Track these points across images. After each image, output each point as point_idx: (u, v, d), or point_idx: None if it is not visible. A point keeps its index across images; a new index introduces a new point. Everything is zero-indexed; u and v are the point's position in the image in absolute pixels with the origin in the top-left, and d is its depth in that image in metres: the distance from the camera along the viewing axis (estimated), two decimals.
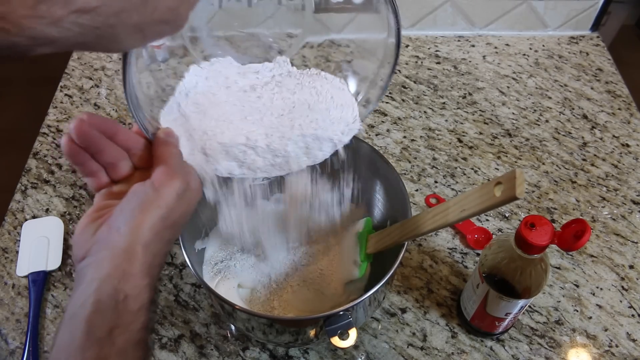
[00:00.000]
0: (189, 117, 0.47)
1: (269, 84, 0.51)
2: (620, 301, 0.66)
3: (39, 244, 0.70)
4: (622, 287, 0.67)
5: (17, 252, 0.70)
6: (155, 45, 0.60)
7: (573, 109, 0.89)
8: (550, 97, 0.91)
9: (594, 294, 0.67)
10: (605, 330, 0.64)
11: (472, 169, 0.80)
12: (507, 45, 1.00)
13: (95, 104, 0.89)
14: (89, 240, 0.38)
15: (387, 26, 0.50)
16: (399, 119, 0.87)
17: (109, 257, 0.37)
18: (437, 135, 0.84)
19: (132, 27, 0.32)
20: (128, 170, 0.43)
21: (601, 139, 0.84)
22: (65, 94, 0.91)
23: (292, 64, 0.53)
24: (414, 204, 0.76)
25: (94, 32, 0.30)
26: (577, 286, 0.67)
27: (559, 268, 0.69)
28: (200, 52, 0.53)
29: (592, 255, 0.70)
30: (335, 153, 0.52)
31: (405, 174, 0.79)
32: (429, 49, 0.99)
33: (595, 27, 1.01)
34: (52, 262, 0.69)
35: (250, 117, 0.49)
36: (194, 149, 0.47)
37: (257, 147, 0.48)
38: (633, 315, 0.65)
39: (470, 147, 0.83)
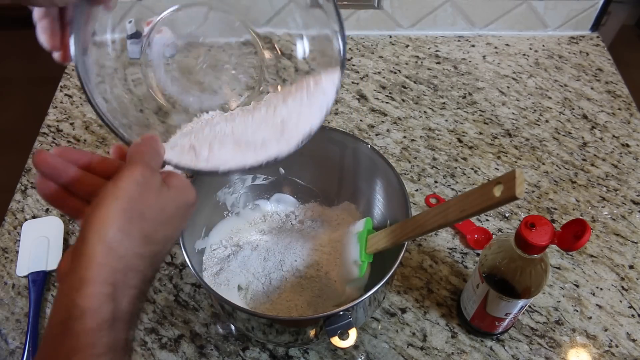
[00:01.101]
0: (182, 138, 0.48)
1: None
2: (620, 301, 0.66)
3: (39, 244, 0.70)
4: (622, 287, 0.67)
5: (17, 252, 0.70)
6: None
7: (573, 109, 0.89)
8: (550, 97, 0.91)
9: (594, 294, 0.67)
10: (605, 330, 0.64)
11: (472, 169, 0.80)
12: (507, 45, 1.00)
13: None
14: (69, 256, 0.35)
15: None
16: (399, 119, 0.87)
17: (70, 265, 0.33)
18: (437, 135, 0.84)
19: None
20: None
21: (601, 139, 0.84)
22: (65, 94, 0.91)
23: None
24: (414, 204, 0.76)
25: None
26: (577, 286, 0.67)
27: (559, 268, 0.69)
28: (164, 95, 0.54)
29: (592, 255, 0.70)
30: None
31: (405, 174, 0.79)
32: (429, 49, 0.99)
33: (595, 27, 1.01)
34: (52, 262, 0.69)
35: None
36: (181, 148, 0.47)
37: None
38: (633, 315, 0.65)
39: (470, 147, 0.83)
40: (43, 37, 0.40)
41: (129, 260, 0.33)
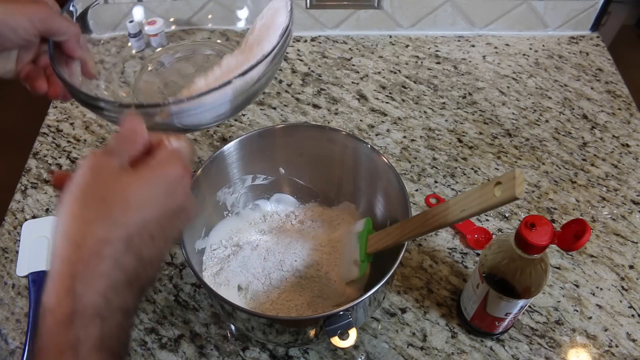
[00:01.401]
0: None
1: None
2: (620, 301, 0.66)
3: (39, 244, 0.70)
4: (622, 287, 0.67)
5: (17, 252, 0.70)
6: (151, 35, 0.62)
7: (573, 109, 0.89)
8: (550, 97, 0.91)
9: (594, 294, 0.67)
10: (605, 330, 0.64)
11: (472, 169, 0.80)
12: (507, 45, 1.00)
13: None
14: None
15: None
16: (399, 119, 0.87)
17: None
18: (437, 135, 0.84)
19: None
20: None
21: (601, 139, 0.84)
22: None
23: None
24: (414, 204, 0.76)
25: None
26: (577, 286, 0.67)
27: (559, 268, 0.69)
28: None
29: (592, 255, 0.70)
30: None
31: (405, 174, 0.79)
32: (429, 49, 0.99)
33: (595, 27, 1.01)
34: None
35: None
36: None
37: None
38: (633, 315, 0.65)
39: (470, 147, 0.83)
40: (30, 85, 0.43)
41: (91, 248, 0.31)
